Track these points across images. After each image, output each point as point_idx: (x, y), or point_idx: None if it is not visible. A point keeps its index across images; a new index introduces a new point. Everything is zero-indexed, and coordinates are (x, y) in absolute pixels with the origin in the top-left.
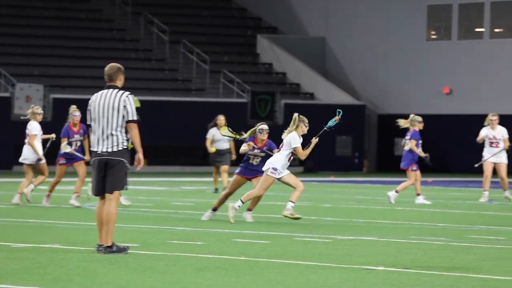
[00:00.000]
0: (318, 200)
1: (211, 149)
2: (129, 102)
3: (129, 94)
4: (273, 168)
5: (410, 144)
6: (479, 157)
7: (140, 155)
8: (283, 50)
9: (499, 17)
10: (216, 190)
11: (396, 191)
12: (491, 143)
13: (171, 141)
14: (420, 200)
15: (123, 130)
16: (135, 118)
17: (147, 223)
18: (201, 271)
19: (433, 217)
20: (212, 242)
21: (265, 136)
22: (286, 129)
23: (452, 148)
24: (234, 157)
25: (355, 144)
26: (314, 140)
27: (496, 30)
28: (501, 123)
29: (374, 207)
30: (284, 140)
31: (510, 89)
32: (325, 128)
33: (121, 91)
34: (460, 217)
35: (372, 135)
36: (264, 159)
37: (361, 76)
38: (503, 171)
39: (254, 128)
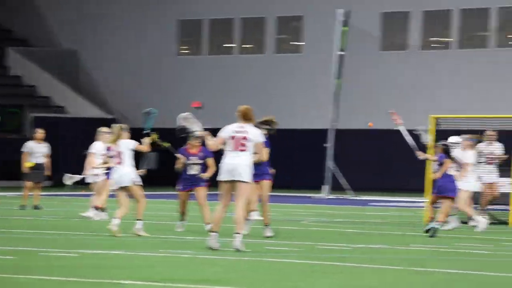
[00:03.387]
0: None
1: (28, 163)
2: None
3: None
4: None
5: None
6: None
7: None
8: (33, 63)
9: (248, 33)
10: (23, 206)
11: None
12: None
13: None
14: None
15: None
16: None
17: None
18: None
19: (187, 229)
20: None
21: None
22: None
23: None
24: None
25: None
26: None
27: (246, 46)
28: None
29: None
30: None
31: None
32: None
33: None
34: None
35: None
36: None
37: (113, 90)
38: None
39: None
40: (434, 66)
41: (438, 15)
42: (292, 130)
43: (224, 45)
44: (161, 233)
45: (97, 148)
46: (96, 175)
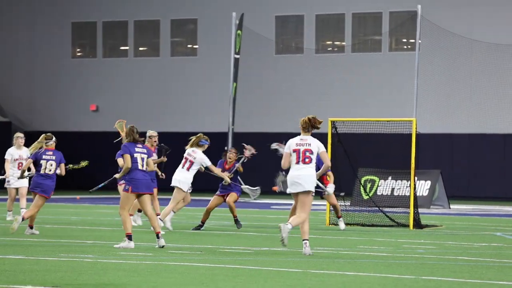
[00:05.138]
0: None
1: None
2: None
3: None
4: None
5: None
6: None
7: None
8: None
9: (142, 36)
10: None
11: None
12: None
13: None
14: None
15: None
16: None
17: None
18: None
19: (82, 234)
20: None
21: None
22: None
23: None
24: None
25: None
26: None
27: (141, 48)
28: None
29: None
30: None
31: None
32: None
33: None
34: (108, 234)
35: None
36: None
37: (6, 93)
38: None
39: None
40: (329, 69)
41: (331, 19)
42: (189, 134)
43: (119, 47)
44: (60, 237)
45: (12, 153)
46: (8, 181)
